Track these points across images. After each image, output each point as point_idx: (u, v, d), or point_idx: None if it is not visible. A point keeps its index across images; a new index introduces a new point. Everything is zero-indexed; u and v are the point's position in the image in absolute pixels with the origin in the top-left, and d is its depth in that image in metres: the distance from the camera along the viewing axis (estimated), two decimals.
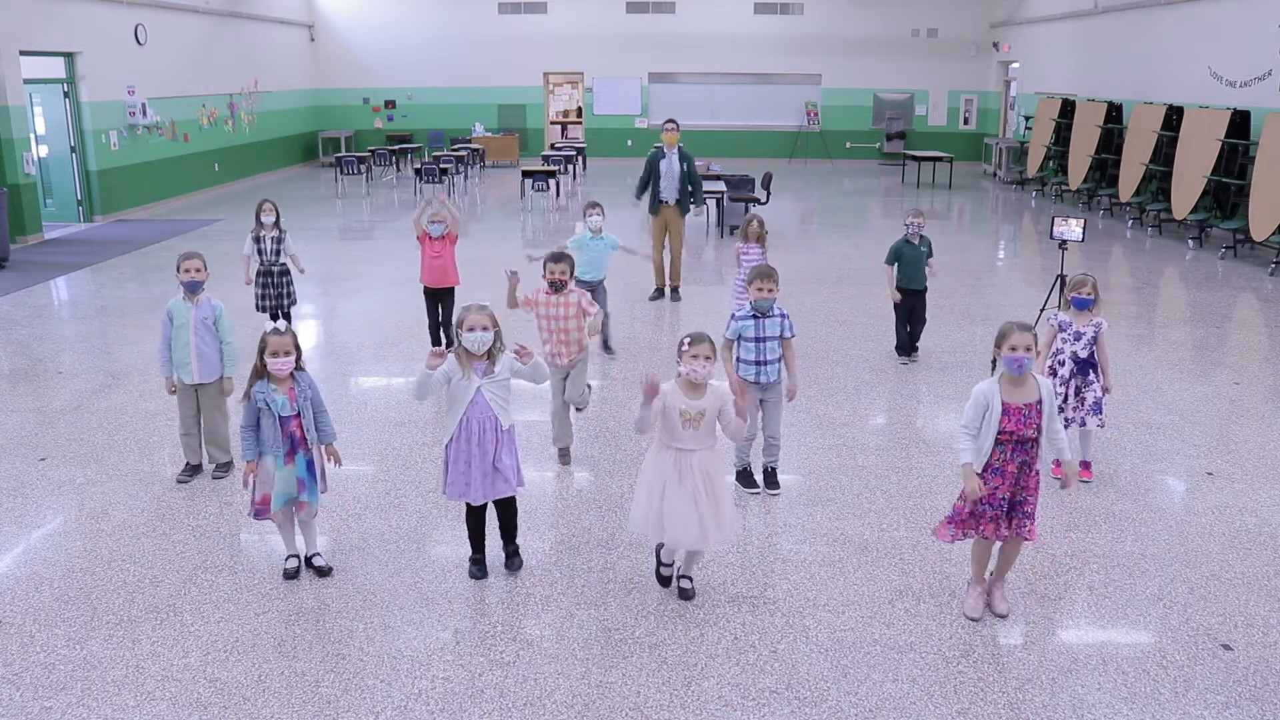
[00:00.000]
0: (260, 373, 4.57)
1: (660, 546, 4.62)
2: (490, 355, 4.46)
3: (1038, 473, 4.28)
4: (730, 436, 4.46)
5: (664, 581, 4.66)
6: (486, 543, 4.81)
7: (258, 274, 8.56)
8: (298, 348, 4.62)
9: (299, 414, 4.59)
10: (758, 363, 5.42)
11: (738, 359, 5.48)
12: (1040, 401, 4.16)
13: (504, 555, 4.85)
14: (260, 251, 8.48)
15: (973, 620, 4.38)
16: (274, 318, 8.59)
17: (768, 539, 5.24)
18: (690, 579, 4.63)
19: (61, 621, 4.38)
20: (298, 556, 4.81)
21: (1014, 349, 4.12)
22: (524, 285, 6.01)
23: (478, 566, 4.77)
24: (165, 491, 5.73)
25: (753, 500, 5.62)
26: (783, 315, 5.46)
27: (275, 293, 8.58)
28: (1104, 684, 3.96)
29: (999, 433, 4.15)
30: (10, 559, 4.95)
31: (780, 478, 5.79)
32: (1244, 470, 6.09)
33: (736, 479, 5.72)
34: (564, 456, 6.16)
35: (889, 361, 8.28)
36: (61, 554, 4.99)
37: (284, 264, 8.59)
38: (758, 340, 5.40)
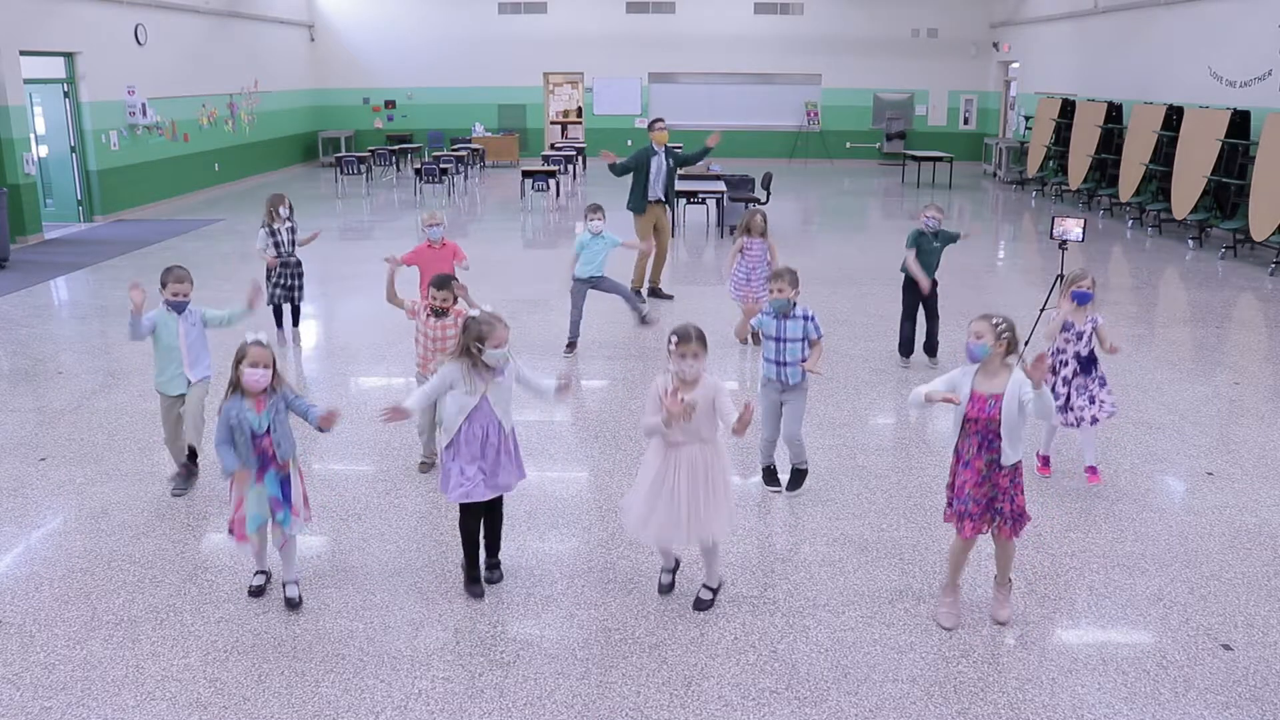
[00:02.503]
0: (235, 386, 4.34)
1: (663, 565, 4.64)
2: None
3: (1014, 471, 4.20)
4: (731, 428, 4.21)
5: (664, 589, 4.60)
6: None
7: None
8: (274, 366, 4.37)
9: (269, 430, 4.37)
10: (778, 363, 5.43)
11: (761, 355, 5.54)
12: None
13: (485, 566, 4.72)
14: (278, 244, 8.61)
15: (946, 629, 4.31)
16: (278, 312, 8.75)
17: (768, 539, 5.25)
18: (711, 589, 4.53)
19: (61, 621, 4.38)
20: (266, 574, 4.64)
21: (973, 335, 4.11)
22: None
23: (476, 584, 4.62)
24: (165, 491, 5.73)
25: (754, 500, 5.63)
26: (807, 317, 5.41)
27: (287, 284, 8.72)
28: (1104, 684, 3.96)
29: (963, 418, 4.17)
30: (10, 559, 4.95)
31: (781, 478, 5.77)
32: (1244, 470, 6.09)
33: (762, 477, 5.76)
34: (424, 468, 6.00)
35: (889, 361, 8.27)
36: (61, 554, 4.99)
37: (299, 257, 8.74)
38: (778, 340, 5.40)
